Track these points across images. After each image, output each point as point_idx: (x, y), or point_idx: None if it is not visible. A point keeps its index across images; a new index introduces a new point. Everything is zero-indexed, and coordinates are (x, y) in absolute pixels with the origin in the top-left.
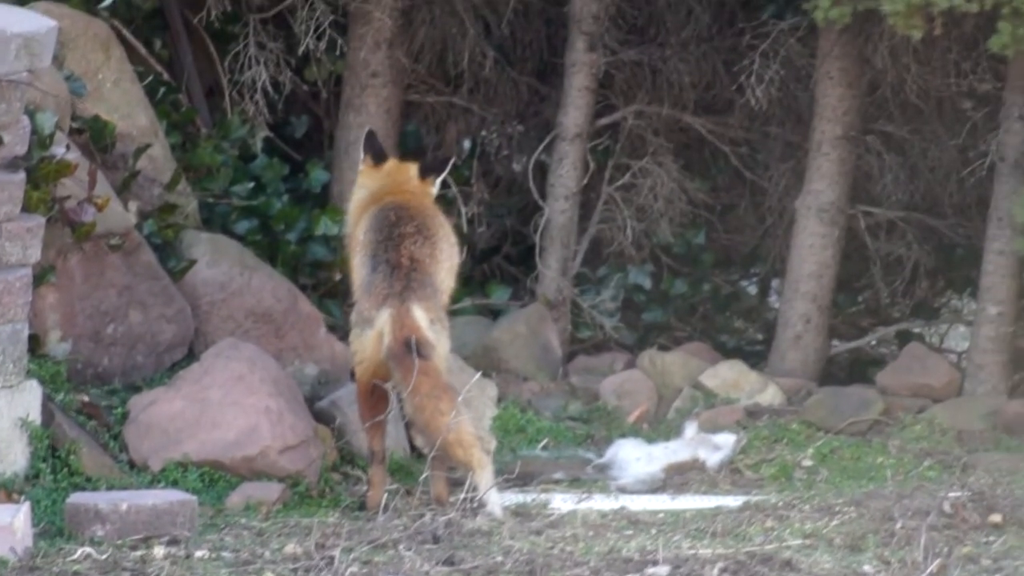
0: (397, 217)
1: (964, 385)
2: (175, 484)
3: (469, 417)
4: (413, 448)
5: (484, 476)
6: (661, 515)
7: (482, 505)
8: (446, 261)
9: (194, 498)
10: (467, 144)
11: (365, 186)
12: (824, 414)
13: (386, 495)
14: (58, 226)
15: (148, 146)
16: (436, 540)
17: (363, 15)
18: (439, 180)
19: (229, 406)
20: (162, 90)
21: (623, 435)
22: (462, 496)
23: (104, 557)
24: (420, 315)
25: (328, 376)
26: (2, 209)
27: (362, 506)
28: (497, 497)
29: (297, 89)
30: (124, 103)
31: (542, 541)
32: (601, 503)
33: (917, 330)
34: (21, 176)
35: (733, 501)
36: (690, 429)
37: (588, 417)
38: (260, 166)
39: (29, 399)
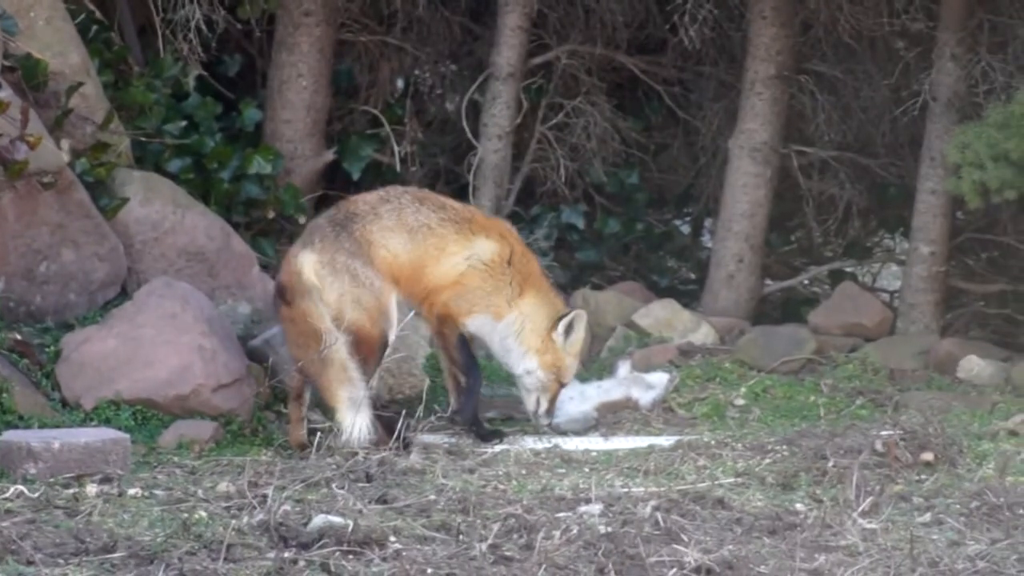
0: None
1: (896, 324)
2: (108, 422)
3: (343, 360)
4: None
5: (345, 416)
6: (594, 454)
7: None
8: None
9: (127, 436)
10: (400, 83)
11: None
12: (757, 353)
13: (319, 434)
14: None
15: (80, 84)
16: (369, 479)
17: None
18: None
19: (162, 345)
20: (94, 28)
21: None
22: (394, 436)
23: (36, 495)
24: (305, 259)
25: (261, 315)
26: None
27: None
28: (349, 419)
29: (230, 28)
30: (56, 41)
31: (475, 479)
32: (534, 442)
33: (850, 269)
34: None
35: (666, 440)
36: (623, 368)
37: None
38: (193, 105)
39: None
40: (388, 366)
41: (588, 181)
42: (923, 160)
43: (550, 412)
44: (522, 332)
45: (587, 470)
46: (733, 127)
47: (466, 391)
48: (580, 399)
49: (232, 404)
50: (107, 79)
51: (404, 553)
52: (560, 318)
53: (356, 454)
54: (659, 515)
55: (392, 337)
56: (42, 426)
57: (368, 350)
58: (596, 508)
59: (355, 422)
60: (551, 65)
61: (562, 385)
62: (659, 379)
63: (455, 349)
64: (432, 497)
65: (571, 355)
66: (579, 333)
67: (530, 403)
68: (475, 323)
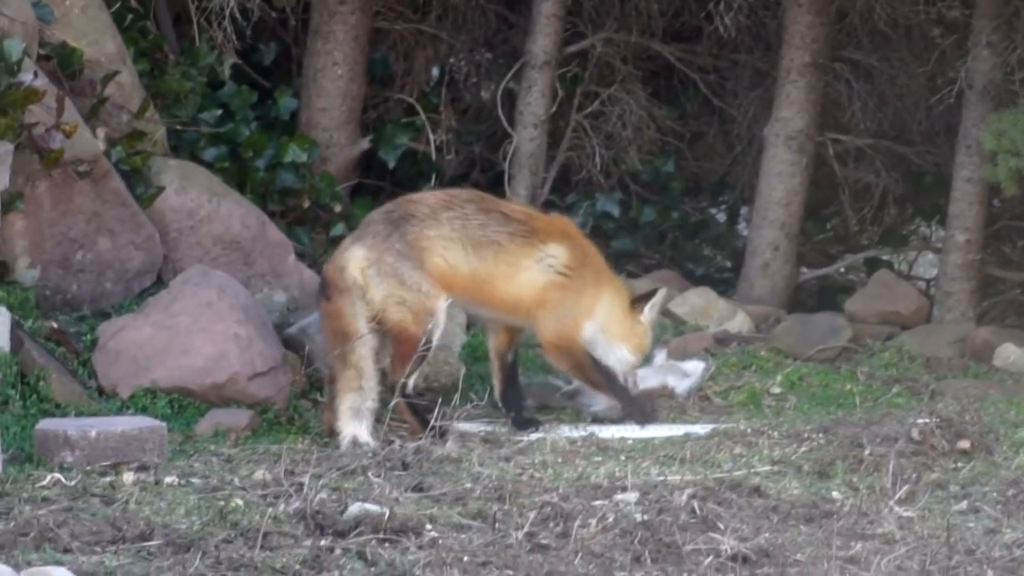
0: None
1: (932, 312)
2: (144, 411)
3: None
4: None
5: (344, 425)
6: (630, 442)
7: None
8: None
9: (163, 424)
10: (435, 71)
11: None
12: (793, 341)
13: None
14: (26, 153)
15: (116, 73)
16: (405, 467)
17: None
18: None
19: (198, 333)
20: (130, 16)
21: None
22: (430, 424)
23: (73, 483)
24: (353, 255)
25: (297, 303)
26: None
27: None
28: (349, 429)
29: (265, 16)
30: (92, 29)
31: (511, 467)
32: (570, 430)
33: (886, 257)
34: None
35: (702, 428)
36: (659, 356)
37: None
38: (228, 93)
39: None
40: (422, 353)
41: (624, 169)
42: (959, 148)
43: (634, 382)
44: (607, 325)
45: (623, 458)
46: (768, 115)
47: (625, 400)
48: None
49: (268, 392)
50: (143, 67)
51: (440, 541)
52: (640, 298)
53: (392, 442)
54: (695, 503)
55: (436, 338)
56: (79, 414)
57: (410, 349)
58: (632, 496)
59: (350, 432)
60: (586, 53)
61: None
62: (695, 367)
63: (594, 374)
64: (468, 485)
65: (651, 330)
66: (657, 311)
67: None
68: (588, 332)
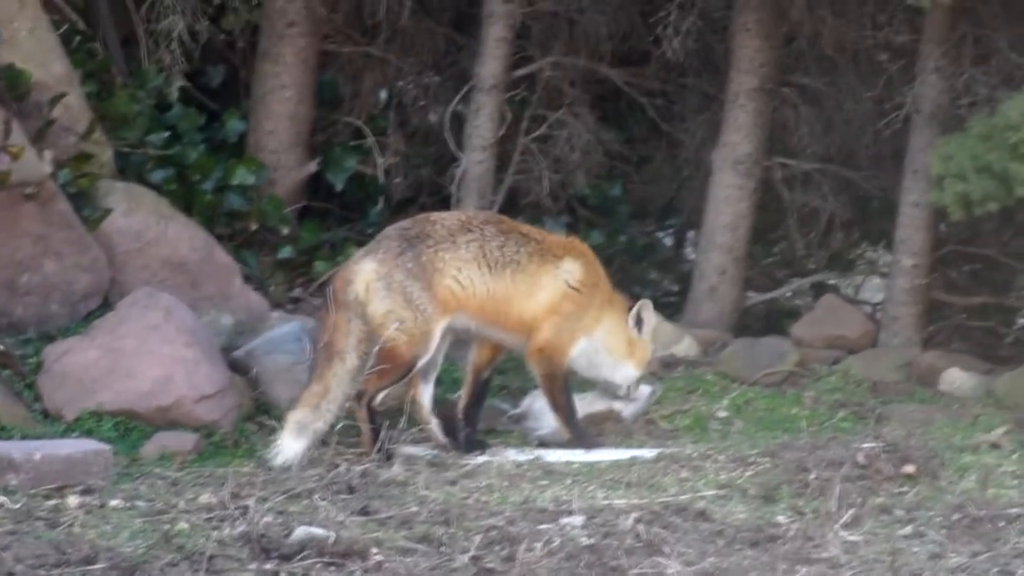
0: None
1: (879, 336)
2: (89, 433)
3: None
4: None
5: (286, 433)
6: (576, 466)
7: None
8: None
9: (108, 447)
10: (383, 94)
11: None
12: (739, 365)
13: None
14: None
15: (63, 95)
16: (351, 490)
17: None
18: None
19: (144, 355)
20: (77, 39)
21: (538, 386)
22: (376, 447)
23: (18, 506)
24: (362, 268)
25: (244, 326)
26: None
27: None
28: (286, 443)
29: (214, 38)
30: (39, 52)
31: (457, 491)
32: (516, 454)
33: (832, 282)
34: None
35: (648, 452)
36: None
37: (503, 368)
38: (176, 115)
39: None
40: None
41: (571, 193)
42: (906, 172)
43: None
44: (611, 343)
45: (569, 482)
46: (716, 139)
47: (575, 430)
48: None
49: (214, 415)
50: (90, 89)
51: (386, 565)
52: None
53: (338, 466)
54: (641, 527)
55: (421, 364)
56: (24, 437)
57: (393, 370)
58: (578, 520)
59: (287, 447)
60: (534, 77)
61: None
62: (642, 391)
63: (561, 393)
64: (414, 509)
65: (651, 342)
66: (651, 320)
67: (621, 392)
68: (577, 349)
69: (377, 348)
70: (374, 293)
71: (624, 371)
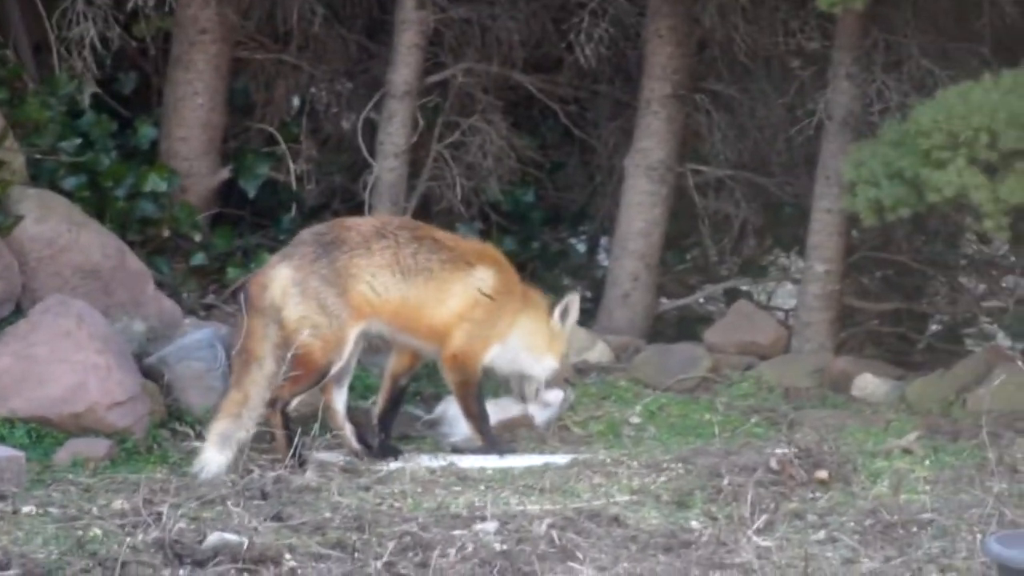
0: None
1: (791, 342)
2: (2, 440)
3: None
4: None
5: (209, 446)
6: (489, 472)
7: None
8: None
9: (21, 454)
10: (296, 101)
11: None
12: (652, 371)
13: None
14: None
15: None
16: (264, 496)
17: None
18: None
19: (56, 363)
20: None
21: (451, 392)
22: (290, 453)
23: None
24: (278, 274)
25: (156, 332)
26: None
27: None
28: (210, 455)
29: (126, 45)
30: None
31: (370, 497)
32: (429, 460)
33: (745, 288)
34: None
35: (561, 458)
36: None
37: (416, 374)
38: (88, 122)
39: None
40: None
41: (484, 199)
42: (818, 179)
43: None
44: (530, 342)
45: (482, 488)
46: (629, 146)
47: (487, 438)
48: None
49: (127, 422)
50: (1, 96)
51: (299, 571)
52: (553, 305)
53: (251, 471)
54: (554, 533)
55: (335, 370)
56: None
57: (307, 375)
58: (491, 526)
59: (213, 459)
60: (447, 83)
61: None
62: (555, 397)
63: (474, 400)
64: (327, 515)
65: (567, 331)
66: (574, 315)
67: (530, 392)
68: (491, 354)
69: (291, 354)
70: (289, 298)
71: (544, 364)
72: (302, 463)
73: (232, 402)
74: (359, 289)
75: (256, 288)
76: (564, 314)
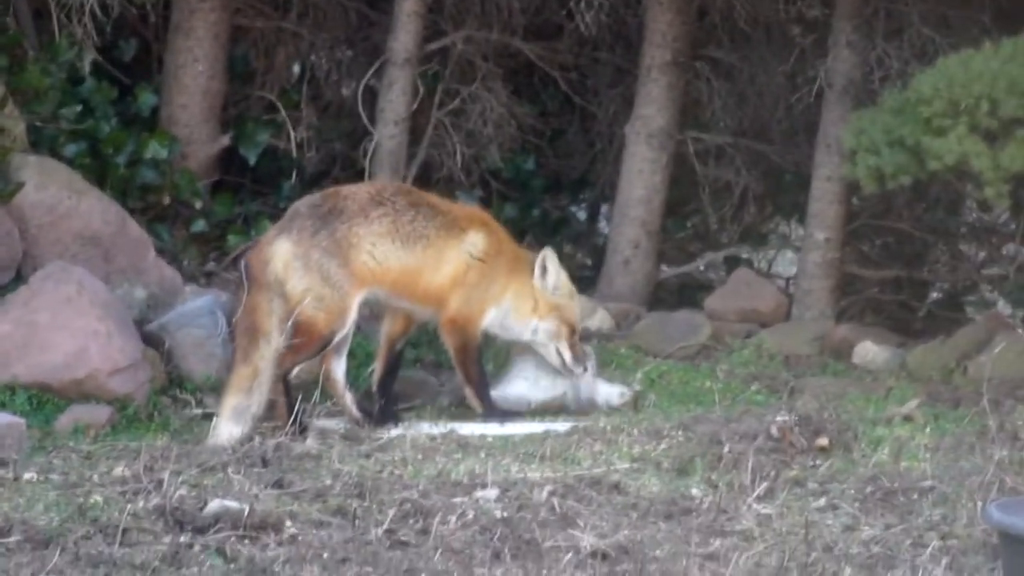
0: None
1: (792, 310)
2: (3, 407)
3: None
4: None
5: (223, 420)
6: (490, 439)
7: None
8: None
9: (22, 421)
10: (296, 69)
11: None
12: (653, 339)
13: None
14: None
15: None
16: (265, 463)
17: None
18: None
19: (57, 329)
20: None
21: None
22: (291, 420)
23: None
24: (279, 248)
25: (157, 299)
26: None
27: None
28: (224, 428)
29: (126, 12)
30: None
31: (371, 464)
32: (430, 427)
33: (745, 255)
34: None
35: (562, 425)
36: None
37: (417, 341)
38: (89, 89)
39: None
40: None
41: (484, 167)
42: (819, 146)
43: (577, 358)
44: (517, 305)
45: (483, 455)
46: (629, 113)
47: (486, 404)
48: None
49: (128, 388)
50: (1, 63)
51: (300, 538)
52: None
53: (252, 439)
54: (555, 500)
55: (338, 339)
56: None
57: (309, 344)
58: (492, 493)
59: (226, 432)
60: (447, 51)
61: (573, 329)
62: (609, 392)
63: (473, 364)
64: (328, 482)
65: (563, 295)
66: (555, 271)
67: (552, 358)
68: (488, 318)
69: (292, 322)
70: (292, 272)
71: (529, 325)
72: (303, 430)
73: (242, 376)
74: (361, 259)
75: (257, 263)
76: (543, 272)
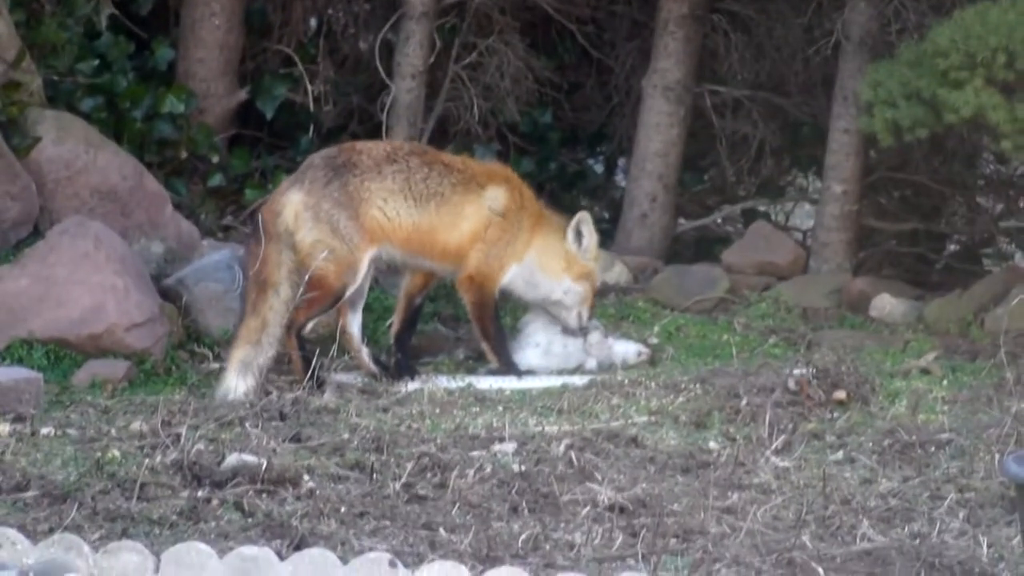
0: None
1: (809, 263)
2: (20, 362)
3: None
4: None
5: (230, 376)
6: (507, 393)
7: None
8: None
9: (39, 375)
10: (313, 22)
11: None
12: (670, 292)
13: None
14: None
15: None
16: (283, 417)
17: None
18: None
19: (75, 284)
20: None
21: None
22: (307, 375)
23: None
24: (290, 199)
25: (175, 254)
26: None
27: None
28: (231, 380)
29: None
30: None
31: (388, 418)
32: (447, 381)
33: (763, 208)
34: None
35: (579, 379)
36: (595, 335)
37: (434, 295)
38: (105, 44)
39: None
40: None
41: (501, 120)
42: (836, 99)
43: (591, 316)
44: (544, 262)
45: (500, 409)
46: (646, 66)
47: (503, 360)
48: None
49: (145, 343)
50: (19, 18)
51: (318, 492)
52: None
53: (270, 393)
54: (572, 454)
55: (350, 292)
56: None
57: (321, 298)
58: (510, 447)
59: (235, 385)
60: (464, 4)
61: (595, 289)
62: (626, 349)
63: (491, 321)
64: (346, 436)
65: (592, 258)
66: (589, 234)
67: (572, 320)
68: (508, 276)
69: (307, 277)
70: (302, 223)
71: (562, 286)
72: (320, 385)
73: (250, 328)
74: (371, 213)
75: (268, 214)
76: (578, 235)
